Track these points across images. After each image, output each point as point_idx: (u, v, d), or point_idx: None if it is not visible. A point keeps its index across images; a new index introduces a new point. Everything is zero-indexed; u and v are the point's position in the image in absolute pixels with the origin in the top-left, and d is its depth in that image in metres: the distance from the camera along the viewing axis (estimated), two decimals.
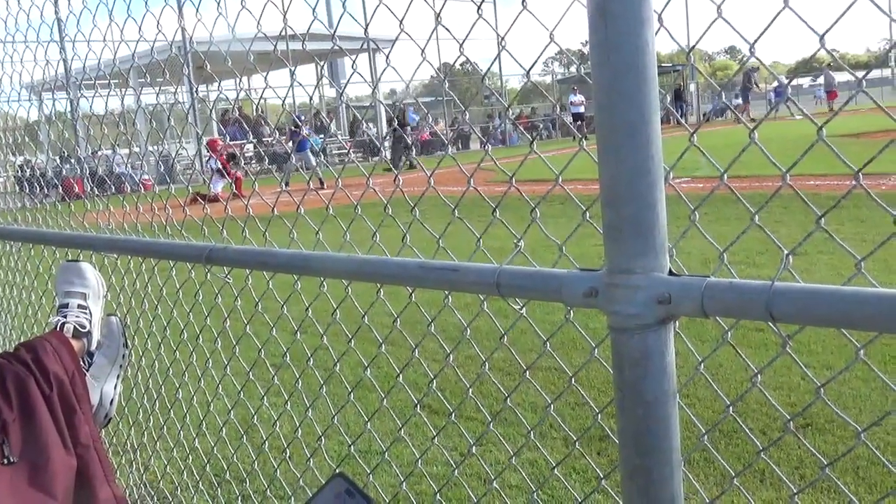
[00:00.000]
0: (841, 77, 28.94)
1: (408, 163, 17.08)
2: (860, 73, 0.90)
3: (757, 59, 1.00)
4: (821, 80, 31.60)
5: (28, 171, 3.41)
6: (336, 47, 1.53)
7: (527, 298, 1.18)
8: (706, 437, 1.14)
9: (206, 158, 12.68)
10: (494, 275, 1.18)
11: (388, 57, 1.56)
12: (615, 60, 0.94)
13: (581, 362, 4.08)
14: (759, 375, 1.03)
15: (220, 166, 13.36)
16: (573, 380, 1.31)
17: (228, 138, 16.08)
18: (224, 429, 2.31)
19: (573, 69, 38.13)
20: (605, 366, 1.26)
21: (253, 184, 1.78)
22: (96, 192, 2.56)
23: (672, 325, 1.00)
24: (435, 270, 1.28)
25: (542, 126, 32.46)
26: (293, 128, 12.15)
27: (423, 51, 1.40)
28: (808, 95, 34.67)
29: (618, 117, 0.96)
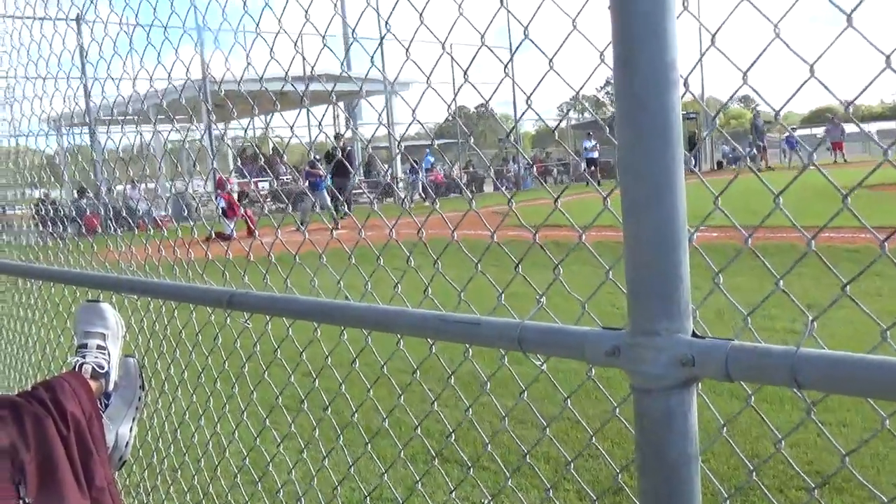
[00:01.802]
0: (851, 127, 29.01)
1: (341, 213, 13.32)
2: (874, 125, 0.92)
3: (779, 121, 1.01)
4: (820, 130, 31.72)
5: (48, 206, 3.45)
6: (360, 91, 1.55)
7: (548, 355, 1.19)
8: (727, 502, 1.13)
9: (216, 196, 12.78)
10: (516, 330, 1.18)
11: (413, 108, 1.59)
12: (641, 121, 0.95)
13: (594, 412, 4.06)
14: (782, 442, 1.03)
15: (226, 205, 13.34)
16: (593, 438, 1.31)
17: (248, 176, 16.18)
18: (239, 474, 2.30)
19: (587, 114, 38.39)
20: (619, 418, 1.26)
21: (276, 231, 1.79)
22: (119, 233, 2.58)
23: (695, 386, 1.00)
24: (456, 324, 1.28)
25: (555, 171, 32.63)
26: (310, 168, 12.21)
27: (450, 103, 1.42)
28: (822, 146, 34.70)
29: (643, 178, 0.96)
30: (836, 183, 0.94)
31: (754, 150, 26.60)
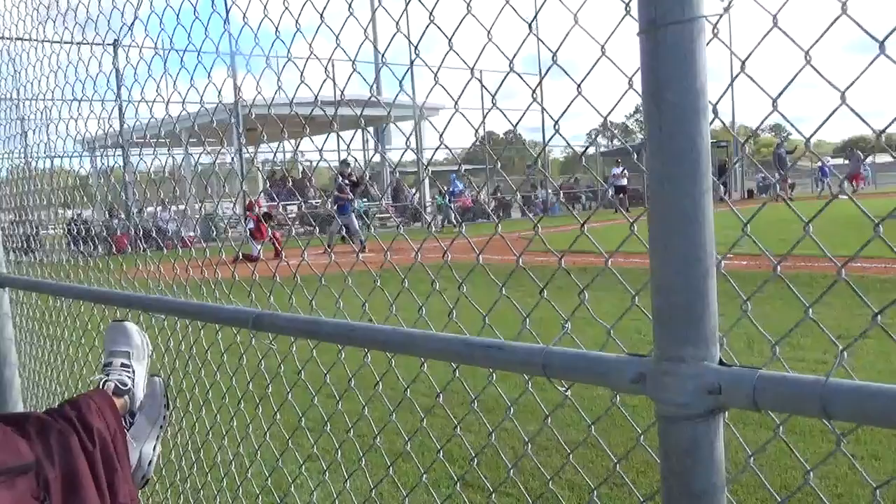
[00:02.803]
0: (881, 157, 28.76)
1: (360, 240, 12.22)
2: None
3: (809, 149, 1.00)
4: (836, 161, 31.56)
5: (80, 225, 3.49)
6: (389, 116, 1.56)
7: (573, 381, 1.18)
8: None
9: (244, 218, 12.92)
10: (541, 355, 1.17)
11: (440, 133, 1.59)
12: (670, 150, 0.95)
13: (618, 438, 4.01)
14: (811, 473, 1.01)
15: (254, 225, 13.51)
16: (617, 466, 1.29)
17: (277, 199, 16.33)
18: (261, 495, 2.29)
19: (616, 142, 38.32)
20: (644, 445, 1.24)
21: (302, 253, 1.80)
22: (148, 253, 2.61)
23: (722, 415, 0.98)
24: (480, 348, 1.28)
25: (583, 197, 32.57)
26: (338, 192, 12.27)
27: (478, 128, 1.43)
28: (846, 178, 34.40)
29: (671, 206, 0.95)
30: (867, 212, 0.93)
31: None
